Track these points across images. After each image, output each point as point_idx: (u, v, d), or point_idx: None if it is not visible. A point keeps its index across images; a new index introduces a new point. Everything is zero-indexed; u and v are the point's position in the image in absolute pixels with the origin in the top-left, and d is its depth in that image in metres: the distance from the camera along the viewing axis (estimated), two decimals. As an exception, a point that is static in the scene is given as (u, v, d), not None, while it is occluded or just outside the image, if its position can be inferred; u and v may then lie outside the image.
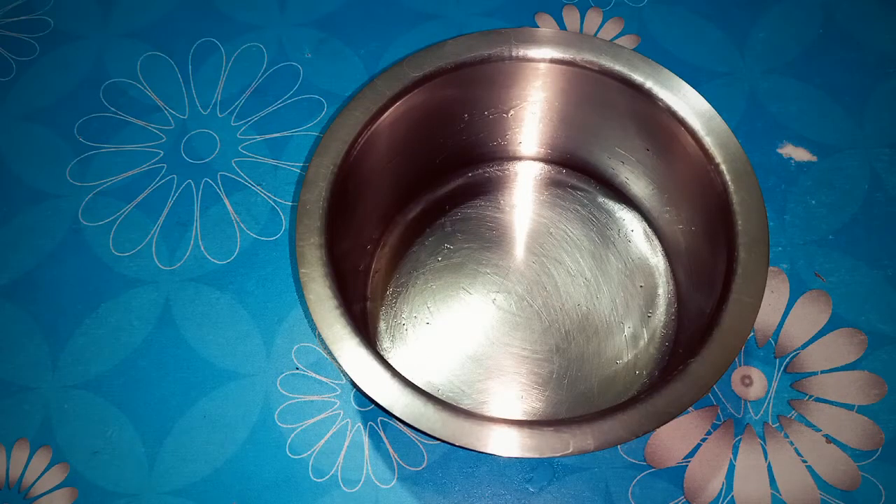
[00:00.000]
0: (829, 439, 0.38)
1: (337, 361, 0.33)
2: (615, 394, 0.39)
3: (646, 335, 0.41)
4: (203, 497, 0.38)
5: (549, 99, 0.41)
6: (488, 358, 0.40)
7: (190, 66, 0.49)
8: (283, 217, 0.45)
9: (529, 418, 0.39)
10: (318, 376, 0.41)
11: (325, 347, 0.41)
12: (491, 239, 0.44)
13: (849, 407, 0.39)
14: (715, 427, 0.39)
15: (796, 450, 0.38)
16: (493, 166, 0.46)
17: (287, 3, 0.51)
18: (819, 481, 0.38)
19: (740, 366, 0.40)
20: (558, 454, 0.29)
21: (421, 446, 0.39)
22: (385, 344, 0.41)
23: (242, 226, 0.45)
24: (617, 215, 0.44)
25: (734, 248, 0.33)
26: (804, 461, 0.38)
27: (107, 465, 0.39)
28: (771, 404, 0.39)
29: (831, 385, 0.39)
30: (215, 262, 0.44)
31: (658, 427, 0.30)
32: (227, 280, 0.43)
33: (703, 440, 0.39)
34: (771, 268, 0.42)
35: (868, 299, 0.41)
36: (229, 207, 0.45)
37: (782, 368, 0.40)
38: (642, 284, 0.42)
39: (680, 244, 0.41)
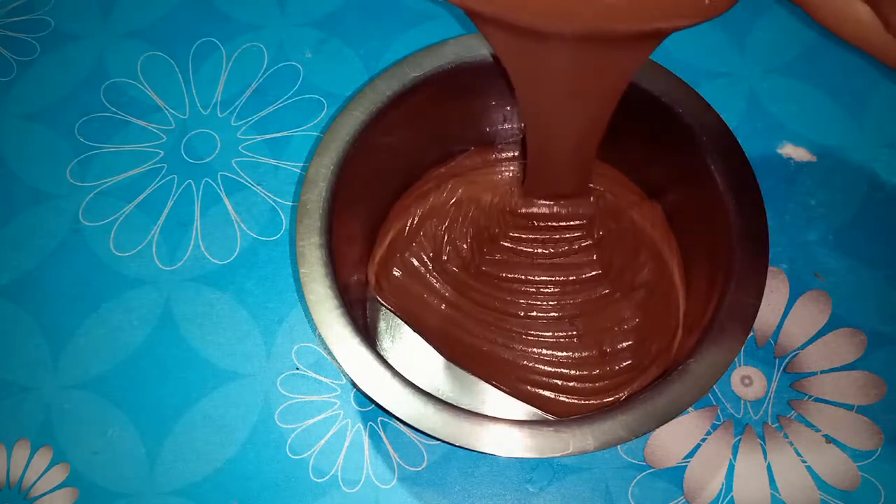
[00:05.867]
0: (829, 439, 0.38)
1: (337, 361, 0.33)
2: (615, 394, 0.39)
3: (646, 335, 0.40)
4: (203, 497, 0.38)
5: (549, 99, 0.41)
6: (488, 358, 0.40)
7: (190, 66, 0.49)
8: (283, 217, 0.45)
9: (529, 418, 0.39)
10: (318, 376, 0.41)
11: (325, 347, 0.41)
12: (491, 239, 0.43)
13: (848, 407, 0.39)
14: (715, 427, 0.39)
15: (796, 450, 0.38)
16: (493, 166, 0.46)
17: (287, 3, 0.51)
18: (819, 481, 0.38)
19: (740, 366, 0.40)
20: (558, 454, 0.29)
21: (421, 446, 0.39)
22: (385, 344, 0.41)
23: (242, 226, 0.45)
24: (617, 215, 0.44)
25: (734, 248, 0.33)
26: (804, 461, 0.38)
27: (107, 465, 0.39)
28: (770, 404, 0.39)
29: (831, 385, 0.39)
30: (215, 262, 0.44)
31: (658, 427, 0.30)
32: (228, 280, 0.43)
33: (703, 440, 0.39)
34: (771, 268, 0.42)
35: (868, 299, 0.41)
36: (229, 207, 0.45)
37: (782, 368, 0.40)
38: (642, 284, 0.42)
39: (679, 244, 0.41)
